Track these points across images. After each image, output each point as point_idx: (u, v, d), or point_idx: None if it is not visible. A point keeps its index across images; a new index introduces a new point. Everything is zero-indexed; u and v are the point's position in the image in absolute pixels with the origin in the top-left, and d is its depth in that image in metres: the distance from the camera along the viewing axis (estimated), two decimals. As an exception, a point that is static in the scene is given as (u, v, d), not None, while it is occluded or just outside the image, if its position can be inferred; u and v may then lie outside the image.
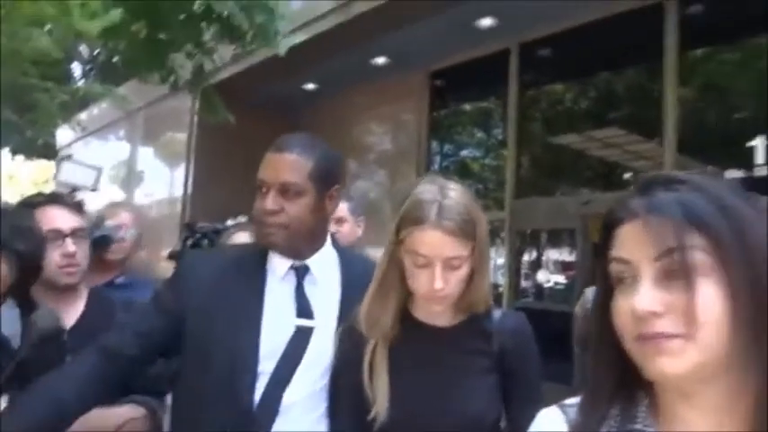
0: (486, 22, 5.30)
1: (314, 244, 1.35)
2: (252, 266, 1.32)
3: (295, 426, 1.23)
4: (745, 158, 4.34)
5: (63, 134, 10.33)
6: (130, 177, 11.01)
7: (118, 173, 11.46)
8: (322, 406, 1.28)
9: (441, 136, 7.12)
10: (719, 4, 4.58)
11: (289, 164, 1.26)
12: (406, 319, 1.23)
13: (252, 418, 1.21)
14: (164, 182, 10.29)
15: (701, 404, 0.59)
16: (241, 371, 1.21)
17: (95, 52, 12.91)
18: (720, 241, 0.55)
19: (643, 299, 0.56)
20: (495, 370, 1.20)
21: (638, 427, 0.62)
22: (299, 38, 4.81)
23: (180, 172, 9.57)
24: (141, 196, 10.73)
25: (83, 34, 2.72)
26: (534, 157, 6.22)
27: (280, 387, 1.23)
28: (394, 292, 1.20)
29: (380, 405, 1.15)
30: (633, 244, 0.59)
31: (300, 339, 1.27)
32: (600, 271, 0.63)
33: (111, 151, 11.63)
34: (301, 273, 1.33)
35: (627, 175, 5.57)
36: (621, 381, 0.62)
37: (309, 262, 1.34)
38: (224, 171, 7.63)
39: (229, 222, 2.65)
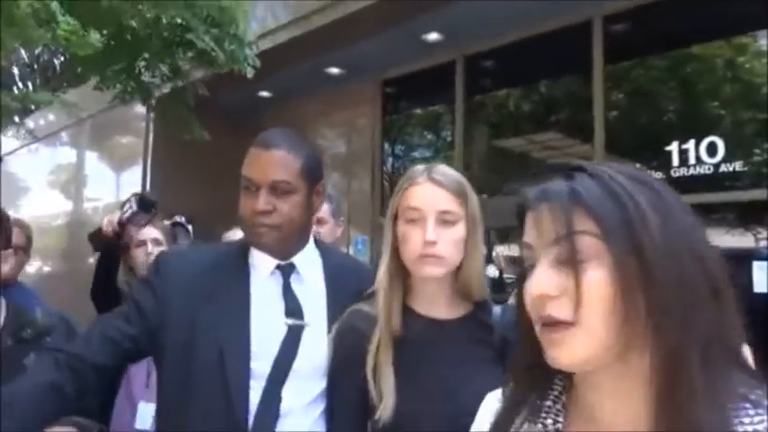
0: (433, 36, 5.84)
1: (301, 242, 1.33)
2: (234, 265, 1.29)
3: (295, 428, 1.21)
4: (665, 160, 5.03)
5: (7, 142, 10.28)
6: (77, 181, 11.05)
7: (58, 177, 11.43)
8: (320, 408, 1.26)
9: (393, 138, 7.63)
10: (641, 22, 5.25)
11: (279, 161, 1.23)
12: (406, 314, 1.21)
13: (248, 420, 1.18)
14: (110, 187, 10.39)
15: (602, 387, 0.60)
16: (233, 370, 1.17)
17: (36, 54, 12.80)
18: (607, 227, 0.56)
19: (535, 281, 0.58)
20: (499, 362, 1.18)
21: (548, 403, 0.66)
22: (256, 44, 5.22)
23: (127, 176, 9.72)
24: (84, 201, 10.81)
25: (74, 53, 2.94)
26: (481, 159, 6.79)
27: (277, 387, 1.20)
28: (397, 283, 1.21)
29: (387, 404, 1.11)
30: (533, 230, 0.61)
31: (293, 339, 1.24)
32: (519, 258, 0.65)
33: (55, 156, 11.57)
34: (287, 272, 1.30)
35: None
36: (539, 364, 0.63)
37: (295, 261, 1.32)
38: (180, 176, 7.88)
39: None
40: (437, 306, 1.24)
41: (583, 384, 0.63)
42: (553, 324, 0.58)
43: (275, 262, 1.30)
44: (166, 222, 2.82)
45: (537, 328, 0.60)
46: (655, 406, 0.56)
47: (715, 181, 4.74)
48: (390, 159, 7.75)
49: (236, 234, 2.85)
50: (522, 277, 0.63)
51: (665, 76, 5.37)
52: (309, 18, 5.77)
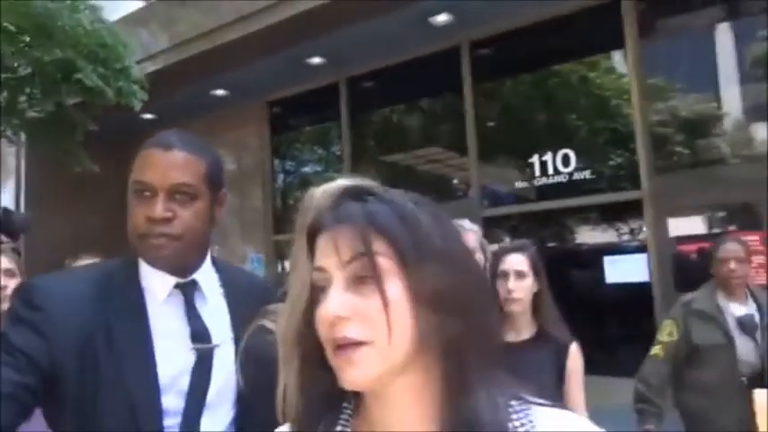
0: (316, 60, 6.26)
1: (201, 258, 1.23)
2: (124, 289, 1.16)
3: None
4: (530, 170, 5.77)
5: None
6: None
7: None
8: None
9: (283, 155, 7.95)
10: (504, 46, 5.98)
11: (181, 162, 1.13)
12: None
13: None
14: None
15: (388, 402, 0.64)
16: (144, 414, 1.08)
17: None
18: (400, 247, 0.61)
19: (330, 303, 0.60)
20: None
21: (338, 429, 0.67)
22: (140, 72, 5.36)
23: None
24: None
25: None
26: (371, 174, 7.26)
27: (195, 422, 1.13)
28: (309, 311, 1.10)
29: None
30: (326, 252, 0.63)
31: (203, 365, 1.16)
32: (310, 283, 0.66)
33: None
34: (189, 290, 1.20)
35: (455, 182, 6.81)
36: (329, 391, 0.65)
37: (197, 277, 1.21)
38: (56, 201, 7.67)
39: None
40: None
41: (371, 402, 0.66)
42: (347, 345, 0.60)
43: (173, 281, 1.17)
44: None
45: (329, 352, 0.62)
46: (440, 409, 0.61)
47: (573, 187, 5.52)
48: (281, 176, 8.05)
49: (85, 262, 2.48)
50: (314, 301, 0.64)
51: (527, 94, 6.15)
52: (193, 43, 5.97)
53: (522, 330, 1.91)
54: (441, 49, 6.10)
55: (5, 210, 2.32)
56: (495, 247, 2.28)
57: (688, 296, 2.64)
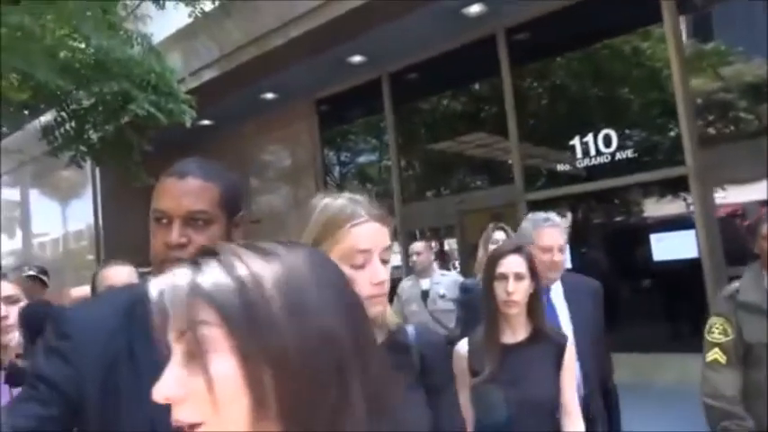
0: (357, 58, 6.52)
1: None
2: (147, 312, 1.09)
3: None
4: (572, 152, 5.81)
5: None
6: (23, 219, 11.30)
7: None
8: None
9: (333, 148, 8.31)
10: (538, 30, 6.01)
11: (194, 190, 1.18)
12: None
13: None
14: (56, 220, 10.72)
15: None
16: None
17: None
18: (228, 314, 0.55)
19: (163, 384, 0.56)
20: (420, 384, 1.18)
21: None
22: (192, 84, 5.80)
23: (73, 208, 10.09)
24: (32, 237, 11.12)
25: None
26: (420, 162, 7.50)
27: None
28: None
29: None
30: (160, 328, 0.59)
31: None
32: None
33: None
34: None
35: (500, 166, 6.90)
36: None
37: None
38: (132, 209, 8.30)
39: None
40: None
41: None
42: (184, 430, 0.55)
43: None
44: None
45: None
46: None
47: (616, 167, 5.53)
48: (337, 167, 8.43)
49: (113, 270, 2.59)
50: None
51: (563, 76, 6.16)
52: (243, 50, 6.37)
53: (518, 331, 1.92)
54: (477, 39, 6.20)
55: None
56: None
57: (731, 287, 2.24)
